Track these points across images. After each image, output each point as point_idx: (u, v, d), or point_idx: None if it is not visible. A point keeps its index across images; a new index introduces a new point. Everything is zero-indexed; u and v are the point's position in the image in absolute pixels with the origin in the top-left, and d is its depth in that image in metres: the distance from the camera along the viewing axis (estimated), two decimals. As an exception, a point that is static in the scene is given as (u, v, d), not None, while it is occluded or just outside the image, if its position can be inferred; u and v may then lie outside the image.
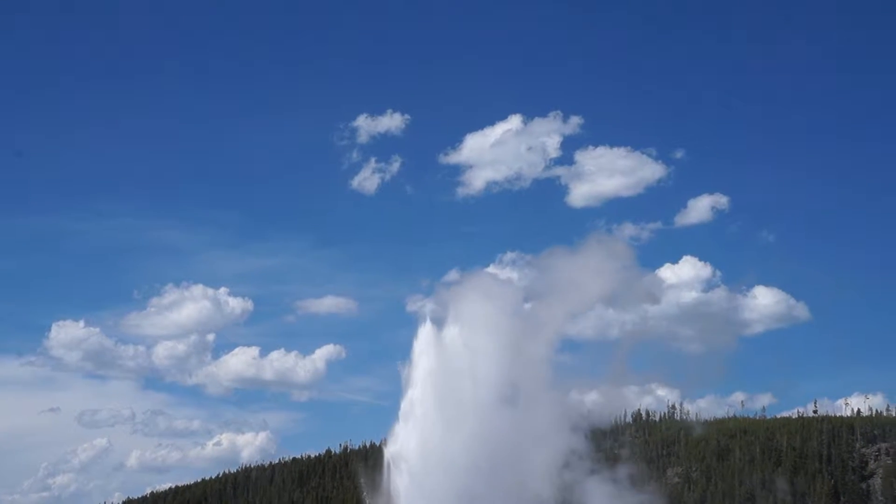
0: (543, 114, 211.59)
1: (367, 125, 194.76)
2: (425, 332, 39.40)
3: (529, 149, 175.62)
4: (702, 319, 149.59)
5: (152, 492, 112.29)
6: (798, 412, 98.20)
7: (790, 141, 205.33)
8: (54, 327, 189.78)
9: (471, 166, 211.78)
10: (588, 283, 41.30)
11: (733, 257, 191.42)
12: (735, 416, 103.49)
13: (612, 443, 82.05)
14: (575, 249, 43.42)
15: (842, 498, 77.65)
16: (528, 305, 42.07)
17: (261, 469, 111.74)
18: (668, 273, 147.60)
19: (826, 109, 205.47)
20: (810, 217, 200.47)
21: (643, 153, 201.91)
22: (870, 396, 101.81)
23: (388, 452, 37.40)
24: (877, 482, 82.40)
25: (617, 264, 42.52)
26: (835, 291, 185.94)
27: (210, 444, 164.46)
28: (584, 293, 41.66)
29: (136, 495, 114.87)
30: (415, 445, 36.78)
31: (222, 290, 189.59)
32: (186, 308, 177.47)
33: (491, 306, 39.26)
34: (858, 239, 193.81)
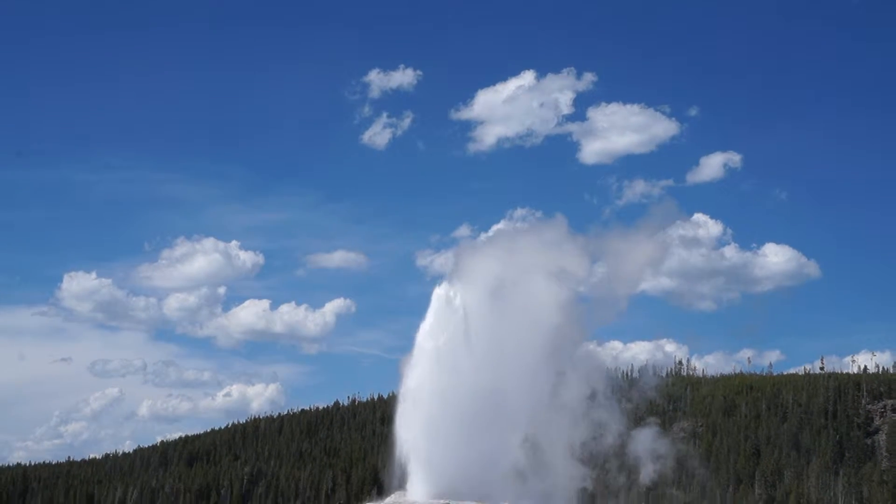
0: (557, 70, 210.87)
1: (379, 80, 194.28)
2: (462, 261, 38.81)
3: (542, 105, 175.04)
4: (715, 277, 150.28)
5: (163, 441, 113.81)
6: (805, 369, 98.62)
7: (804, 100, 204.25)
8: (66, 278, 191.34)
9: (482, 122, 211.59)
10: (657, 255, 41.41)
11: (745, 215, 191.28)
12: (742, 372, 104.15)
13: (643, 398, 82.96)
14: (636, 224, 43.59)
15: (846, 453, 78.00)
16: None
17: (270, 420, 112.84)
18: (679, 230, 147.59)
19: (840, 70, 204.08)
20: (823, 175, 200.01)
21: (657, 110, 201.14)
22: (877, 354, 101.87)
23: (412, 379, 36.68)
24: (881, 438, 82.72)
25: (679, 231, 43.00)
26: (846, 249, 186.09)
27: (220, 394, 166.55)
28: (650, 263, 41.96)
29: (146, 444, 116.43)
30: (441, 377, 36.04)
31: (233, 243, 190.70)
32: (197, 261, 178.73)
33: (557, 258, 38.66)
34: (871, 198, 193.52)
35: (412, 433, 35.39)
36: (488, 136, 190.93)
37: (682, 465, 75.48)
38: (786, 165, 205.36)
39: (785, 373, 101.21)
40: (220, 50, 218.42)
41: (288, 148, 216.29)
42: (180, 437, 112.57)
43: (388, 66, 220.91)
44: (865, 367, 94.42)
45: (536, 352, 36.88)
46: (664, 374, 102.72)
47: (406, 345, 38.36)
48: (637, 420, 53.39)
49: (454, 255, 42.04)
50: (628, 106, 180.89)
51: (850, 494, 69.23)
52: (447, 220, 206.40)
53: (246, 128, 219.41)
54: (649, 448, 44.18)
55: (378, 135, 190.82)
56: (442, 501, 33.04)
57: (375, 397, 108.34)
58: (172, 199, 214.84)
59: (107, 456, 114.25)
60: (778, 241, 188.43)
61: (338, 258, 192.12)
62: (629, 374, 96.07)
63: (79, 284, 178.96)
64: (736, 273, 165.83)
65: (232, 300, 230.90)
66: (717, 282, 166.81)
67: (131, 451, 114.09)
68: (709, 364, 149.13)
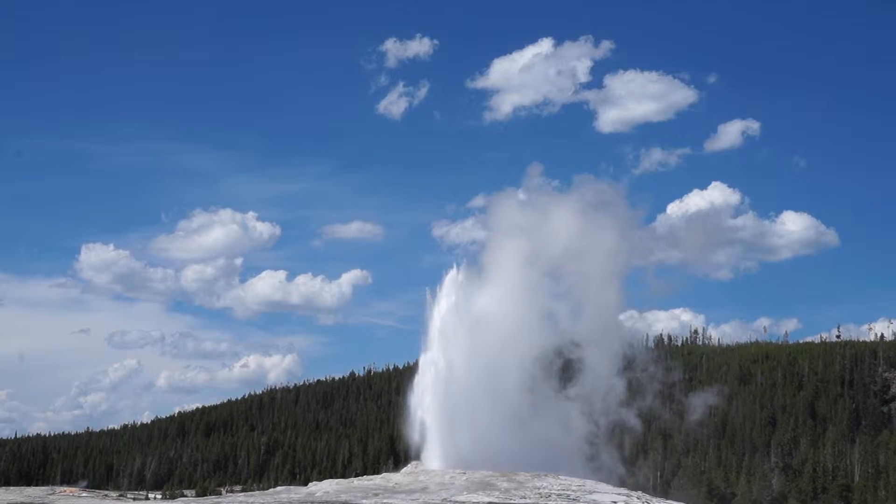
0: (574, 38, 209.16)
1: (395, 49, 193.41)
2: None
3: (559, 73, 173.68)
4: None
5: (180, 411, 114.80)
6: (822, 337, 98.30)
7: (823, 67, 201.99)
8: (83, 250, 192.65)
9: (498, 91, 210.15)
10: None
11: (763, 183, 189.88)
12: (758, 341, 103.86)
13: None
14: None
15: (863, 421, 77.79)
16: None
17: (286, 391, 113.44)
18: (696, 199, 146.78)
19: (860, 37, 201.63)
20: (842, 143, 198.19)
21: (675, 77, 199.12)
22: (894, 322, 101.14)
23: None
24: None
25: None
26: (864, 217, 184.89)
27: (237, 365, 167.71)
28: None
29: (164, 414, 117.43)
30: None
31: (250, 214, 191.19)
32: (214, 232, 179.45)
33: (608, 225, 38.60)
34: (890, 165, 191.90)
35: (438, 401, 35.60)
36: (504, 105, 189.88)
37: (697, 434, 75.60)
38: (804, 133, 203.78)
39: (801, 341, 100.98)
40: (234, 18, 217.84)
41: (304, 118, 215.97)
42: (198, 408, 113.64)
43: (405, 35, 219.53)
44: (882, 335, 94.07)
45: (600, 324, 37.07)
46: (679, 343, 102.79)
47: (423, 315, 38.53)
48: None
49: (525, 205, 41.96)
50: (646, 73, 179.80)
51: (866, 462, 69.01)
52: (463, 191, 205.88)
53: (261, 97, 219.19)
54: (703, 414, 44.86)
55: (394, 104, 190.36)
56: (458, 470, 33.10)
57: (391, 368, 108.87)
58: (188, 169, 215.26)
59: (125, 426, 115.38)
60: (796, 210, 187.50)
61: (354, 229, 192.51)
62: (653, 342, 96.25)
63: (96, 256, 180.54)
64: (754, 242, 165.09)
65: (249, 271, 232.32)
66: (735, 250, 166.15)
67: (149, 422, 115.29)
68: (725, 333, 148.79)
